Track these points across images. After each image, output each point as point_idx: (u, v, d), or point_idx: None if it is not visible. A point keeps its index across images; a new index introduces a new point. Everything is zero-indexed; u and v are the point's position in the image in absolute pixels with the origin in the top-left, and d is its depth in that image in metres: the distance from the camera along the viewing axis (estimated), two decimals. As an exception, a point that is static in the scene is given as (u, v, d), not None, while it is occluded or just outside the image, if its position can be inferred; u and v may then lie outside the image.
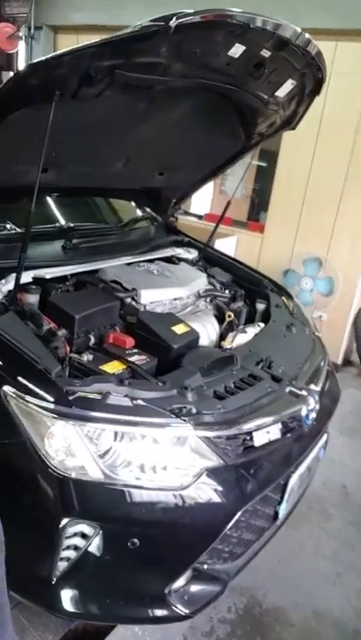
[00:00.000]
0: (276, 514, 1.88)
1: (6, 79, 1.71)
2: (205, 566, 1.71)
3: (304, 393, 1.88)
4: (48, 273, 2.13)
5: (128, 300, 2.20)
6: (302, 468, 1.94)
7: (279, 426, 1.77)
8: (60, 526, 1.49)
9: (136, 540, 1.53)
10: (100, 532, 1.53)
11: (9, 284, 1.94)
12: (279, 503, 1.87)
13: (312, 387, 1.96)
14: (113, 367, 1.74)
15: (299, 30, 1.81)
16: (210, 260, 2.96)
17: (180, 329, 2.05)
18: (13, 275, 1.90)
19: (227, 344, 2.18)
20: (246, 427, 1.67)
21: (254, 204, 5.70)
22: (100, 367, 1.73)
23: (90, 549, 1.54)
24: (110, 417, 1.53)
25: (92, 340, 1.97)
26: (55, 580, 1.55)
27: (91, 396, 1.55)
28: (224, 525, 1.60)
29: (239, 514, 1.61)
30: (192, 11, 1.54)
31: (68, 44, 2.70)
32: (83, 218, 2.82)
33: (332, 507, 2.73)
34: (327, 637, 2.03)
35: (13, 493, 1.57)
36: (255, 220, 5.16)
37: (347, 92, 3.82)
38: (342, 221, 4.10)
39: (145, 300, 2.23)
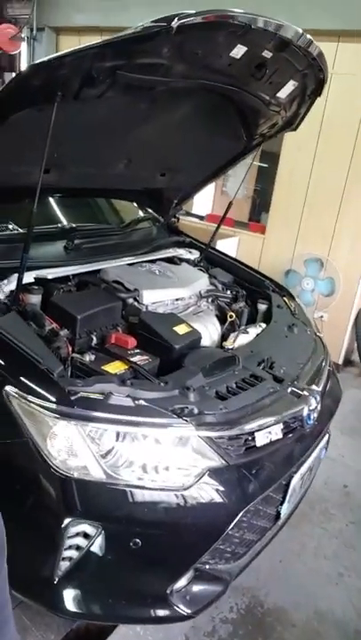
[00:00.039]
0: (278, 514, 1.88)
1: (9, 80, 1.71)
2: (207, 566, 1.71)
3: (306, 393, 1.89)
4: (50, 273, 2.13)
5: (130, 300, 2.21)
6: (304, 468, 1.94)
7: (281, 426, 1.77)
8: (63, 526, 1.49)
9: (138, 540, 1.53)
10: (102, 531, 1.53)
11: (11, 285, 1.94)
12: (281, 503, 1.87)
13: (314, 387, 1.97)
14: (115, 367, 1.75)
15: (300, 31, 1.81)
16: (211, 260, 2.96)
17: (181, 329, 2.05)
18: (16, 275, 1.90)
19: (228, 344, 2.18)
20: (248, 427, 1.67)
21: (256, 204, 5.72)
22: (102, 367, 1.73)
23: (92, 549, 1.54)
24: (112, 417, 1.53)
25: (94, 340, 1.97)
26: (57, 579, 1.55)
27: (93, 396, 1.56)
28: (226, 525, 1.60)
29: (241, 514, 1.61)
30: (194, 11, 1.54)
31: (70, 45, 2.70)
32: (85, 218, 2.82)
33: (333, 507, 2.73)
34: (329, 638, 2.03)
35: (16, 493, 1.57)
36: (256, 221, 5.17)
37: (348, 93, 3.82)
38: (343, 222, 4.10)
39: (147, 301, 2.24)
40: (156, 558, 1.63)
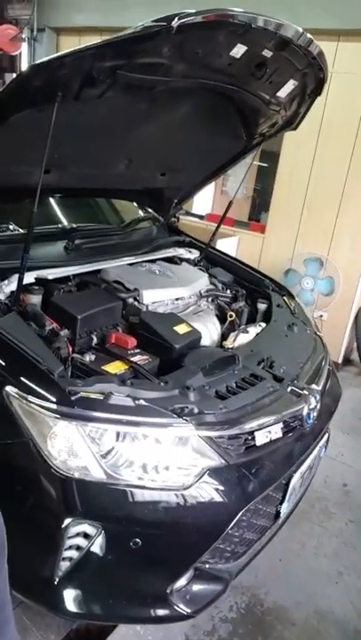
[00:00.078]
0: (278, 513, 1.88)
1: (9, 81, 1.71)
2: (207, 566, 1.71)
3: (305, 392, 1.89)
4: (50, 273, 2.13)
5: (130, 300, 2.21)
6: (304, 467, 1.94)
7: (281, 425, 1.77)
8: (63, 526, 1.49)
9: (138, 540, 1.53)
10: (103, 532, 1.53)
11: (12, 285, 1.95)
12: (281, 502, 1.87)
13: (313, 386, 1.97)
14: (115, 367, 1.75)
15: (300, 30, 1.81)
16: (211, 260, 2.96)
17: (182, 329, 2.05)
18: (16, 275, 1.91)
19: (228, 344, 2.18)
20: (248, 426, 1.68)
21: (255, 204, 5.71)
22: (103, 367, 1.73)
23: (92, 549, 1.54)
24: (112, 417, 1.53)
25: (95, 340, 1.98)
26: (58, 579, 1.55)
27: (93, 396, 1.56)
28: (226, 525, 1.60)
29: (241, 513, 1.62)
30: (194, 11, 1.54)
31: (70, 45, 2.70)
32: (85, 218, 2.82)
33: (333, 505, 2.74)
34: (329, 637, 2.03)
35: (16, 494, 1.57)
36: (256, 221, 5.17)
37: (348, 92, 3.82)
38: (343, 221, 4.11)
39: (147, 301, 2.24)
40: (156, 558, 1.63)
